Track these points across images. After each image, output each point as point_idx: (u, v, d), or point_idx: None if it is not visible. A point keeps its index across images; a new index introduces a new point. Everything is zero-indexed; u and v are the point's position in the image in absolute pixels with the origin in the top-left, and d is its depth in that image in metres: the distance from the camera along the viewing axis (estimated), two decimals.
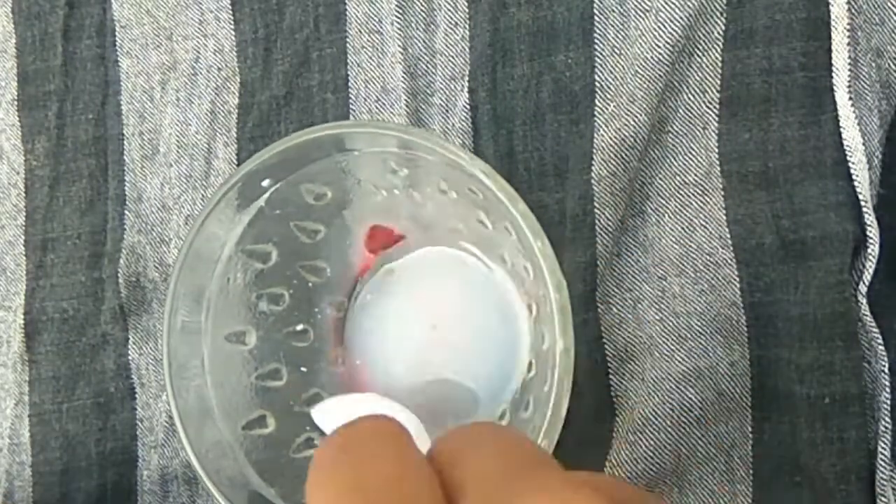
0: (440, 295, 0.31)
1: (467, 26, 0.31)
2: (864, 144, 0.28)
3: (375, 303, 0.32)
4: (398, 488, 0.15)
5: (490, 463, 0.16)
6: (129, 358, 0.34)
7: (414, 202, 0.30)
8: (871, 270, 0.27)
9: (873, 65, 0.28)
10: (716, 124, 0.29)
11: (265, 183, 0.27)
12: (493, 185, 0.24)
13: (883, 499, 0.27)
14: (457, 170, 0.25)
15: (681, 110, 0.30)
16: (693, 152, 0.30)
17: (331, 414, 0.27)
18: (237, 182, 0.27)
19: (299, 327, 0.31)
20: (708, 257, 0.29)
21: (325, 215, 0.30)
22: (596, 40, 0.30)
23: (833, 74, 0.28)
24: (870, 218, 0.27)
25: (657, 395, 0.29)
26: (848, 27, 0.28)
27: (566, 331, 0.23)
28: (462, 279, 0.31)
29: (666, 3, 0.29)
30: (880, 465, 0.27)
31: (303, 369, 0.31)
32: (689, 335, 0.29)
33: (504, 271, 0.30)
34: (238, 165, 0.32)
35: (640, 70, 0.29)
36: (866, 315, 0.27)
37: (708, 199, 0.29)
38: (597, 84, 0.30)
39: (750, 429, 0.29)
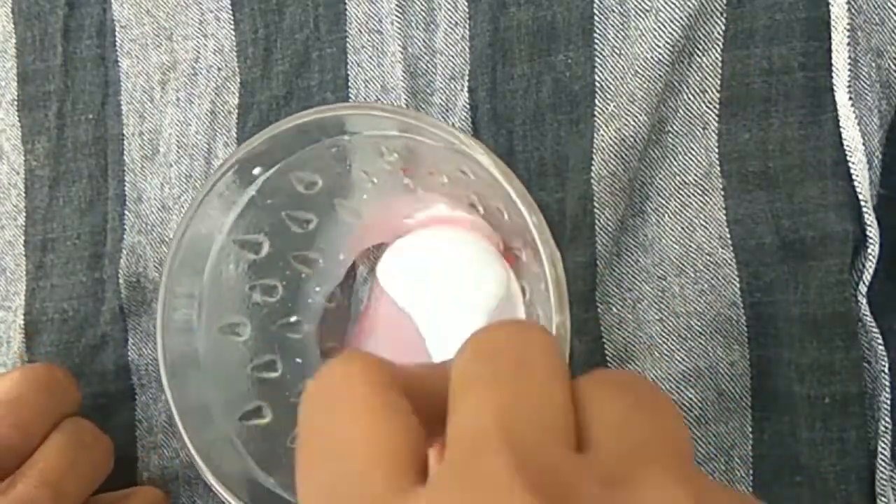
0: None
1: (467, 26, 0.31)
2: (864, 144, 0.28)
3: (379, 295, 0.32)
4: None
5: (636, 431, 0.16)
6: (129, 359, 0.34)
7: (406, 188, 0.30)
8: (871, 270, 0.27)
9: (873, 65, 0.28)
10: (716, 124, 0.29)
11: (256, 171, 0.27)
12: (487, 163, 0.24)
13: (883, 499, 0.27)
14: (448, 151, 0.25)
15: (681, 110, 0.30)
16: (693, 152, 0.30)
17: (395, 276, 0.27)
18: (229, 169, 0.27)
19: (293, 319, 0.31)
20: (708, 257, 0.29)
21: (317, 204, 0.30)
22: (596, 40, 0.30)
23: (833, 74, 0.28)
24: (870, 218, 0.27)
25: None
26: (848, 27, 0.28)
27: (562, 304, 0.23)
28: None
29: (666, 3, 0.29)
30: (880, 465, 0.27)
31: (298, 360, 0.31)
32: (689, 335, 0.29)
33: (498, 255, 0.30)
34: None
35: (640, 70, 0.29)
36: (866, 315, 0.27)
37: (708, 199, 0.29)
38: (597, 84, 0.30)
39: (750, 429, 0.29)
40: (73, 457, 0.28)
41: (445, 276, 0.28)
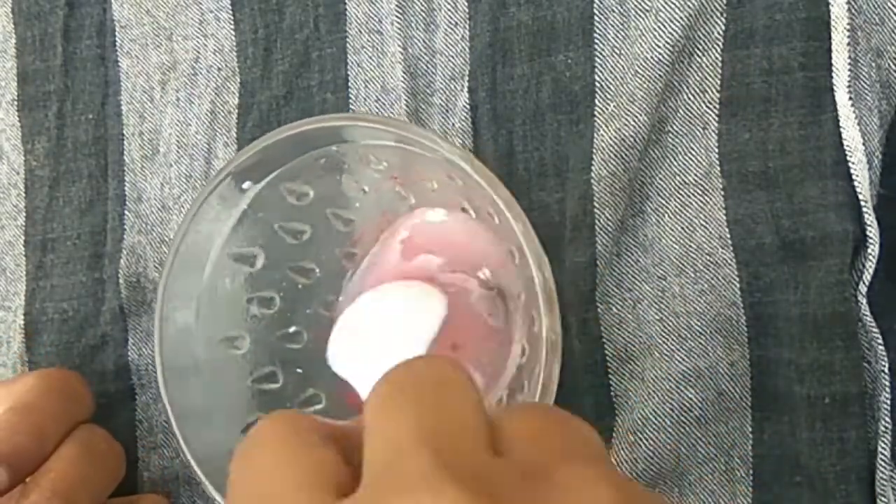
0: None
1: (467, 26, 0.31)
2: (864, 144, 0.28)
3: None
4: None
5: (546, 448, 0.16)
6: (129, 359, 0.34)
7: (398, 195, 0.30)
8: (871, 270, 0.27)
9: (873, 65, 0.28)
10: (716, 124, 0.29)
11: (245, 185, 0.27)
12: (471, 170, 0.24)
13: (883, 499, 0.27)
14: (435, 157, 0.25)
15: (681, 110, 0.30)
16: (693, 152, 0.30)
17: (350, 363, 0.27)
18: (219, 184, 0.27)
19: (292, 329, 0.31)
20: (708, 257, 0.29)
21: (310, 215, 0.30)
22: (596, 40, 0.30)
23: (833, 74, 0.28)
24: (870, 218, 0.27)
25: (657, 395, 0.29)
26: (848, 27, 0.28)
27: (551, 308, 0.23)
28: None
29: (666, 3, 0.29)
30: (880, 465, 0.27)
31: (298, 370, 0.31)
32: (689, 335, 0.29)
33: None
34: None
35: (640, 70, 0.29)
36: (866, 315, 0.27)
37: (708, 199, 0.29)
38: (597, 84, 0.30)
39: (750, 429, 0.29)
40: (86, 467, 0.28)
41: (378, 341, 0.27)
